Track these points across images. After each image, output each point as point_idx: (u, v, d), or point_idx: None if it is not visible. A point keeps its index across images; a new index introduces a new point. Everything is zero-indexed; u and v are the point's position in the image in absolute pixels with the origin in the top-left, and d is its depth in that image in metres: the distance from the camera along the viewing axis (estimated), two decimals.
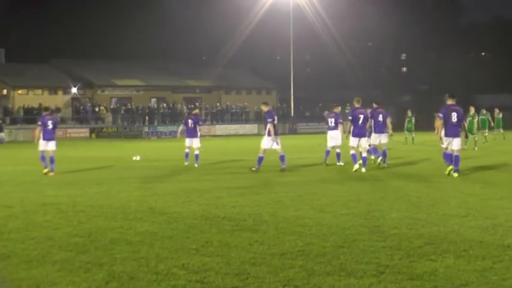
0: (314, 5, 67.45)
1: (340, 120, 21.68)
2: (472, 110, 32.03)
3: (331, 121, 21.55)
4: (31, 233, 9.48)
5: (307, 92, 78.70)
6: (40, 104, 64.48)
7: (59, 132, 60.45)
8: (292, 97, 69.18)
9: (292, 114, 69.99)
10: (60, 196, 13.78)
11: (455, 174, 16.78)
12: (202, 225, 9.92)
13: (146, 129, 64.82)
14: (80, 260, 7.71)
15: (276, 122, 19.61)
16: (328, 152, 21.59)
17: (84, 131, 62.64)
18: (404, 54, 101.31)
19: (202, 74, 76.58)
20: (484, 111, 36.11)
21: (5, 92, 67.28)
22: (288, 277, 6.82)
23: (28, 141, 55.74)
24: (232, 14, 75.97)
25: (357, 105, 19.72)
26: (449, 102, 17.49)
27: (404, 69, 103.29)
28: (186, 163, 22.32)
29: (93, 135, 62.14)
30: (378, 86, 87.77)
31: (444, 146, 17.36)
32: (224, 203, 12.26)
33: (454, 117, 17.13)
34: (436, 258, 7.50)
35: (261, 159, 19.51)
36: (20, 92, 67.22)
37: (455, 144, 17.03)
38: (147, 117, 68.11)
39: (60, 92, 69.37)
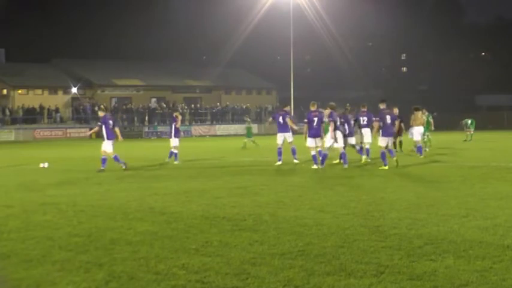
0: (314, 5, 67.42)
1: (373, 119, 22.40)
2: (424, 111, 29.88)
3: (364, 119, 23.21)
4: (31, 232, 9.48)
5: (307, 92, 78.72)
6: (40, 104, 64.68)
7: (59, 132, 61.17)
8: (292, 97, 69.19)
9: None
10: (60, 196, 13.78)
11: (386, 167, 19.42)
12: (202, 225, 9.92)
13: (146, 129, 64.82)
14: (80, 260, 7.71)
15: (111, 126, 20.98)
16: (361, 149, 22.69)
17: (84, 131, 62.60)
18: (404, 54, 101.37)
19: (202, 74, 76.59)
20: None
21: (5, 92, 67.30)
22: (288, 277, 6.82)
23: (28, 141, 55.75)
24: (232, 14, 76.06)
25: (312, 109, 20.84)
26: (382, 106, 20.66)
27: (404, 69, 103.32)
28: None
29: (93, 135, 62.09)
30: (378, 86, 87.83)
31: (383, 145, 19.98)
32: (224, 203, 12.25)
33: (389, 119, 20.12)
34: (436, 258, 7.50)
35: (104, 160, 20.70)
36: (20, 92, 67.22)
37: (390, 142, 20.29)
38: (147, 117, 68.13)
39: (60, 92, 69.39)
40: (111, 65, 75.32)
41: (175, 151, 23.93)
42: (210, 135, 64.15)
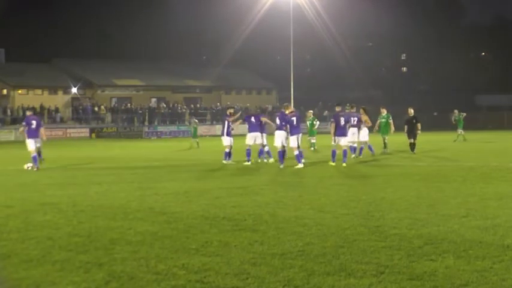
0: (314, 5, 67.37)
1: (355, 119, 24.18)
2: (385, 111, 28.88)
3: (354, 120, 24.20)
4: (31, 232, 9.48)
5: (307, 92, 78.68)
6: (40, 104, 64.68)
7: (59, 132, 61.26)
8: (292, 97, 69.16)
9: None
10: (60, 196, 13.78)
11: (344, 164, 20.93)
12: (202, 225, 9.92)
13: (146, 129, 64.80)
14: (80, 260, 7.71)
15: (34, 126, 21.71)
16: (355, 149, 24.28)
17: (84, 131, 62.66)
18: (404, 54, 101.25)
19: (202, 74, 76.60)
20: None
21: (5, 92, 67.30)
22: (288, 277, 6.82)
23: None
24: (232, 14, 76.01)
25: (288, 111, 22.23)
26: (337, 109, 22.38)
27: (404, 69, 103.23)
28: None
29: (93, 135, 62.16)
30: (378, 86, 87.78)
31: (334, 143, 21.68)
32: (224, 203, 12.25)
33: (342, 121, 21.76)
34: (436, 258, 7.50)
35: (34, 158, 21.37)
36: (20, 92, 67.22)
37: (342, 142, 21.67)
38: (147, 117, 68.14)
39: (60, 92, 69.40)
40: (111, 65, 75.31)
41: (227, 150, 23.45)
42: (210, 135, 64.15)
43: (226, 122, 23.92)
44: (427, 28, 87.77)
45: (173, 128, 65.99)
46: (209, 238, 8.85)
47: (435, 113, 78.59)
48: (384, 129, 27.92)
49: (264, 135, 23.22)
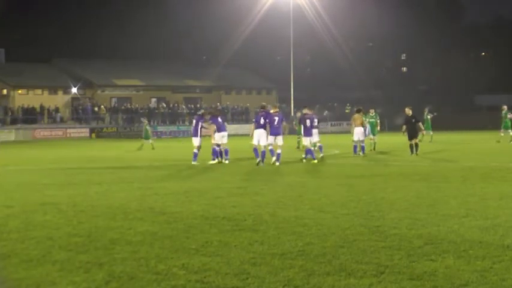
0: (314, 5, 67.41)
1: (315, 121, 25.03)
2: (372, 111, 29.51)
3: (308, 122, 24.76)
4: (31, 232, 9.48)
5: (307, 92, 78.66)
6: (40, 104, 64.69)
7: (59, 132, 61.21)
8: (292, 97, 69.15)
9: (292, 114, 70.06)
10: (60, 196, 13.77)
11: (315, 161, 22.72)
12: (202, 225, 9.92)
13: None
14: (80, 260, 7.71)
15: None
16: (309, 151, 24.16)
17: (84, 131, 62.62)
18: (404, 54, 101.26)
19: (202, 74, 76.56)
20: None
21: (5, 92, 67.27)
22: (288, 277, 6.82)
23: (28, 141, 55.75)
24: (232, 14, 76.03)
25: (273, 110, 23.44)
26: (305, 111, 24.51)
27: (404, 69, 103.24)
28: None
29: (93, 135, 62.13)
30: (378, 87, 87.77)
31: (306, 144, 23.51)
32: (224, 203, 12.26)
33: (308, 122, 23.73)
34: (436, 258, 7.50)
35: None
36: (20, 92, 67.19)
37: (314, 139, 23.85)
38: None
39: (60, 92, 69.37)
40: (111, 65, 75.26)
41: (195, 150, 23.71)
42: (209, 136, 64.11)
43: (199, 124, 24.40)
44: (428, 28, 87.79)
45: (173, 128, 65.98)
46: (209, 238, 8.85)
47: (435, 113, 78.60)
48: (372, 130, 28.43)
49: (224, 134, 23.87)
